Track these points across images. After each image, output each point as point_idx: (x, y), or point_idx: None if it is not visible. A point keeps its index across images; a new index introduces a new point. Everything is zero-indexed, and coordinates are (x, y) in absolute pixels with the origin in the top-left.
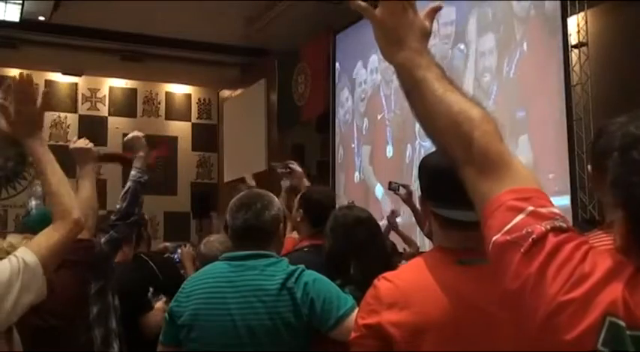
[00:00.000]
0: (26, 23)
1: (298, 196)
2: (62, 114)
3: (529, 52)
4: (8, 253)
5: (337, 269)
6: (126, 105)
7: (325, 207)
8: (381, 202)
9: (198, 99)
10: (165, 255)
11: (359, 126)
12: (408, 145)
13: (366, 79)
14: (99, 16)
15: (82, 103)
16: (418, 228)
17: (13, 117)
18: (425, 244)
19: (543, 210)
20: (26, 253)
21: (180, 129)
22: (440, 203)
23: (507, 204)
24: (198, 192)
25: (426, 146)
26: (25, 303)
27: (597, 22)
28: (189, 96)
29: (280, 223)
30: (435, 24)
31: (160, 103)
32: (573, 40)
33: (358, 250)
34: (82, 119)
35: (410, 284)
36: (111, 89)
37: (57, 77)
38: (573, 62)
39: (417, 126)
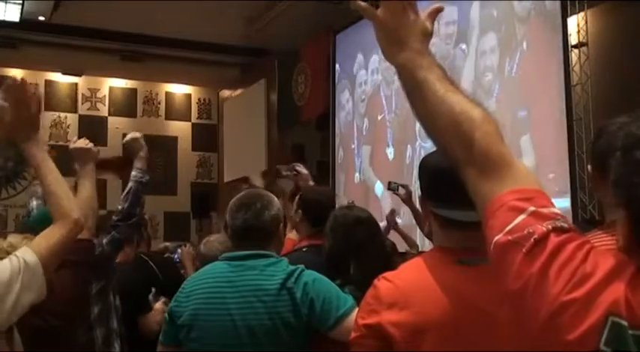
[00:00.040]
0: (26, 23)
1: (297, 197)
2: (62, 114)
3: (530, 51)
4: (8, 253)
5: (337, 269)
6: (126, 105)
7: (324, 207)
8: (380, 200)
9: (198, 99)
10: (166, 255)
11: (359, 127)
12: (409, 146)
13: (366, 79)
14: (99, 16)
15: (82, 103)
16: (418, 229)
17: (9, 121)
18: (425, 244)
19: (545, 211)
20: (26, 253)
21: (180, 129)
22: (440, 203)
23: (509, 205)
24: (198, 192)
25: (426, 146)
26: (25, 303)
27: (597, 22)
28: (189, 96)
29: (280, 223)
30: (436, 24)
31: (159, 103)
32: (573, 40)
33: (358, 250)
34: (82, 119)
35: (410, 284)
36: (111, 89)
37: (57, 77)
38: (573, 62)
39: (418, 126)
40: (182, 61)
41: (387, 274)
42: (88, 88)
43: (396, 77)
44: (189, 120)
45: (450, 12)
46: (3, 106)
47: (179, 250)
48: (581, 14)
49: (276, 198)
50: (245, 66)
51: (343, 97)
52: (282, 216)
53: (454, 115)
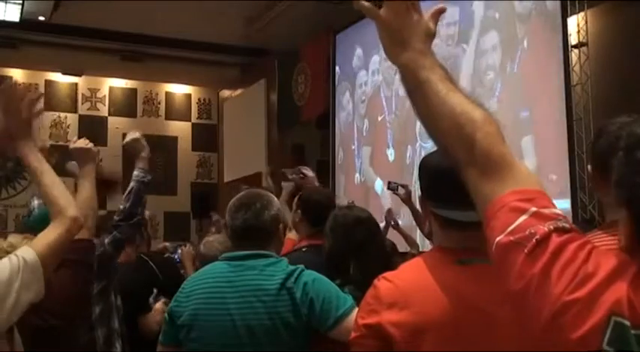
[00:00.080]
0: (26, 23)
1: (297, 197)
2: (62, 114)
3: (530, 51)
4: (8, 253)
5: (337, 269)
6: (126, 105)
7: (323, 207)
8: (381, 197)
9: (198, 99)
10: (166, 255)
11: (359, 128)
12: (409, 147)
13: (366, 80)
14: (99, 16)
15: (82, 103)
16: (419, 230)
17: (2, 124)
18: (425, 244)
19: (546, 211)
20: (26, 252)
21: (180, 129)
22: (440, 203)
23: (510, 205)
24: (198, 192)
25: (426, 147)
26: (24, 302)
27: (597, 22)
28: (189, 96)
29: (280, 223)
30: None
31: (159, 103)
32: (573, 40)
33: (358, 250)
34: (82, 119)
35: (410, 284)
36: (111, 89)
37: (57, 77)
38: (573, 62)
39: (418, 127)
40: (182, 61)
41: (387, 274)
42: (88, 88)
43: (396, 78)
44: (189, 120)
45: (452, 12)
46: None
47: (179, 250)
48: (581, 14)
49: (275, 198)
50: (245, 66)
51: (344, 99)
52: (281, 216)
53: (455, 116)
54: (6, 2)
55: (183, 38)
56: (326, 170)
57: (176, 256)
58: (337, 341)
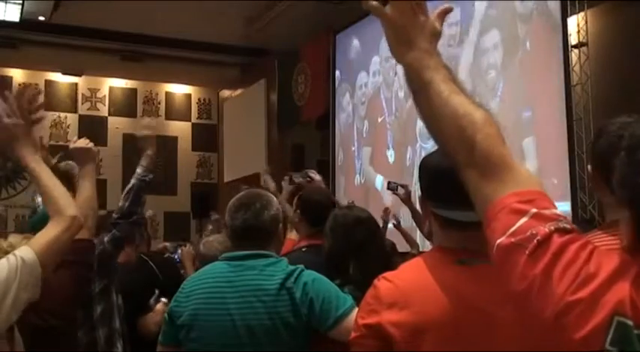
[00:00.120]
0: (26, 23)
1: (296, 197)
2: (62, 114)
3: (531, 51)
4: (8, 253)
5: (336, 269)
6: (126, 105)
7: (322, 207)
8: (381, 192)
9: (198, 99)
10: (166, 255)
11: (359, 129)
12: (409, 148)
13: (366, 82)
14: (99, 16)
15: (82, 103)
16: (419, 231)
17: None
18: (426, 244)
19: (547, 212)
20: (24, 251)
21: (180, 129)
22: (440, 203)
23: (510, 207)
24: (198, 192)
25: (426, 147)
26: (23, 301)
27: (597, 22)
28: (189, 96)
29: (279, 223)
30: None
31: (159, 103)
32: (573, 40)
33: (358, 250)
34: (82, 119)
35: (410, 284)
36: (111, 89)
37: (57, 77)
38: (573, 62)
39: (418, 128)
40: (182, 61)
41: (387, 274)
42: (88, 88)
43: (396, 79)
44: (189, 120)
45: (454, 12)
46: None
47: (179, 250)
48: (581, 14)
49: (275, 198)
50: (245, 66)
51: (344, 100)
52: (281, 216)
53: (456, 117)
54: (6, 2)
55: (183, 38)
56: (326, 170)
57: (176, 256)
58: (337, 341)
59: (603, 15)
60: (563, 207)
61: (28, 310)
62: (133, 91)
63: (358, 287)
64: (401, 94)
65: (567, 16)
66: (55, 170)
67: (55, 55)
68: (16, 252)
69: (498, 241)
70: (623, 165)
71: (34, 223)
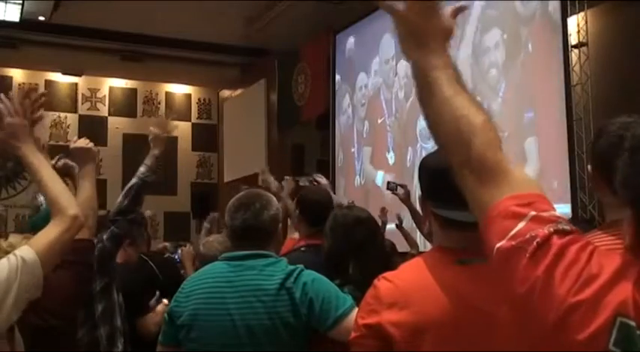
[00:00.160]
0: (26, 23)
1: (295, 199)
2: (62, 114)
3: (533, 52)
4: (8, 253)
5: (336, 269)
6: (126, 105)
7: (321, 207)
8: (381, 189)
9: (198, 99)
10: (166, 255)
11: (359, 130)
12: (409, 148)
13: (366, 83)
14: (99, 16)
15: (82, 103)
16: (419, 231)
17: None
18: (427, 245)
19: (545, 214)
20: (24, 251)
21: (180, 129)
22: (440, 203)
23: (509, 210)
24: (198, 192)
25: (427, 148)
26: (23, 301)
27: (597, 22)
28: (189, 96)
29: (279, 223)
30: None
31: (160, 103)
32: (573, 40)
33: (357, 250)
34: (82, 119)
35: (410, 283)
36: (111, 89)
37: (57, 77)
38: (573, 62)
39: (418, 129)
40: (182, 61)
41: (387, 274)
42: (88, 88)
43: (396, 80)
44: (189, 120)
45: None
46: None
47: (179, 250)
48: (581, 14)
49: (275, 198)
50: (245, 66)
51: (344, 101)
52: (281, 216)
53: (456, 119)
54: (6, 2)
55: (183, 38)
56: (326, 170)
57: (176, 256)
58: (337, 341)
59: (603, 15)
60: (564, 209)
61: (28, 310)
62: (133, 91)
63: (358, 287)
64: (401, 95)
65: (567, 16)
66: (56, 170)
67: (55, 55)
68: (17, 251)
69: (498, 245)
70: (626, 166)
71: (34, 222)
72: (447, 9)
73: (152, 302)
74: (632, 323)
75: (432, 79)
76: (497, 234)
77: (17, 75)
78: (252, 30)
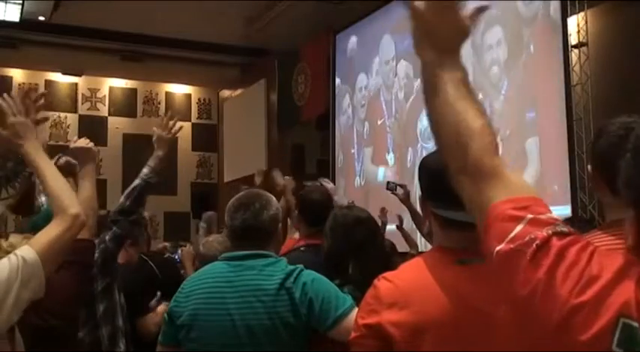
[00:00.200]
0: (26, 23)
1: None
2: (62, 114)
3: (535, 53)
4: (8, 253)
5: (336, 268)
6: (126, 105)
7: (321, 207)
8: (382, 186)
9: (198, 99)
10: (166, 255)
11: (359, 131)
12: (410, 149)
13: (366, 84)
14: (99, 16)
15: (82, 103)
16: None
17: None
18: (427, 246)
19: (543, 217)
20: (25, 250)
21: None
22: (440, 203)
23: (506, 214)
24: (198, 192)
25: (428, 148)
26: (24, 301)
27: (597, 22)
28: (189, 96)
29: (279, 223)
30: None
31: (160, 103)
32: (573, 40)
33: (357, 250)
34: (82, 119)
35: (410, 283)
36: (111, 89)
37: (57, 77)
38: (573, 62)
39: (419, 130)
40: (182, 61)
41: (387, 274)
42: (88, 88)
43: (396, 80)
44: (189, 120)
45: None
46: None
47: (179, 250)
48: (581, 14)
49: (274, 198)
50: (245, 66)
51: (344, 102)
52: (280, 216)
53: (456, 122)
54: (6, 2)
55: (183, 38)
56: (326, 170)
57: (176, 256)
58: (337, 341)
59: (603, 15)
60: (564, 211)
61: (28, 310)
62: (133, 91)
63: (358, 287)
64: (401, 96)
65: (567, 16)
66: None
67: (55, 55)
68: (17, 251)
69: (497, 248)
70: (628, 167)
71: (34, 222)
72: (468, 8)
73: (153, 302)
74: (635, 324)
75: (439, 80)
76: (495, 237)
77: (17, 75)
78: (252, 30)
